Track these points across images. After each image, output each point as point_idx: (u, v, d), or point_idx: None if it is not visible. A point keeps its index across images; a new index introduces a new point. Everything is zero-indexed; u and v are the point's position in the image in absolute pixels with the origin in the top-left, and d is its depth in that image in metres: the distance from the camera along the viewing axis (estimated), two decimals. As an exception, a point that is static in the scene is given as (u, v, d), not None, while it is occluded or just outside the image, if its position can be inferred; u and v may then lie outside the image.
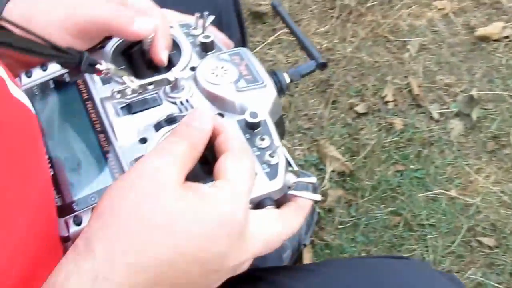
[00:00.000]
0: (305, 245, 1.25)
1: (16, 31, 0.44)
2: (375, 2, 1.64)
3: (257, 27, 1.63)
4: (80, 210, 0.47)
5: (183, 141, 0.42)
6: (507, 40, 1.57)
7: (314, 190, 1.25)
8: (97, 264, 0.38)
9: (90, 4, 0.55)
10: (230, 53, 0.57)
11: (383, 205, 1.30)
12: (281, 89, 0.57)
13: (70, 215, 0.47)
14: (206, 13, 0.59)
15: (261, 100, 0.53)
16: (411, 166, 1.34)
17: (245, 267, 0.45)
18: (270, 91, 0.54)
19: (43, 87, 0.57)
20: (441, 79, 1.49)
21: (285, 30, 1.61)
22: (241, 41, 0.86)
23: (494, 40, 1.57)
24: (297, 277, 0.61)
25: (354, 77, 1.51)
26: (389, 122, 1.42)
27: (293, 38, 1.56)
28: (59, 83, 0.58)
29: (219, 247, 0.41)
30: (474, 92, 1.44)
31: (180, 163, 0.41)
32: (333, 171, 1.35)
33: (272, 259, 1.21)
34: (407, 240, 1.24)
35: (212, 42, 0.58)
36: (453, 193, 1.29)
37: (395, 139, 1.39)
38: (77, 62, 0.49)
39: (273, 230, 0.46)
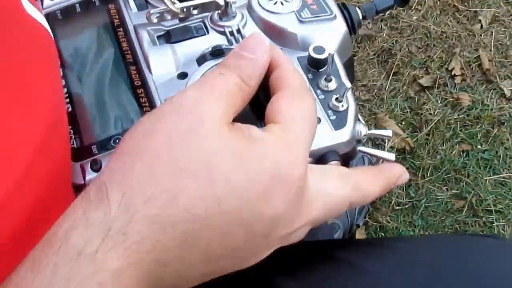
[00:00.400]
0: (358, 226, 1.19)
1: None
2: None
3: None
4: (100, 153, 0.43)
5: (232, 74, 0.36)
6: None
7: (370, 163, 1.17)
8: (111, 214, 0.31)
9: None
10: None
11: (446, 187, 1.22)
12: (352, 26, 0.51)
13: (88, 159, 0.43)
14: None
15: (329, 35, 0.48)
16: (478, 146, 1.26)
17: (299, 235, 0.38)
18: (339, 25, 0.49)
19: (68, 11, 0.53)
20: (515, 53, 1.39)
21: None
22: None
23: None
24: (371, 254, 0.52)
25: (419, 47, 1.42)
26: (456, 97, 1.33)
27: None
28: (87, 8, 0.53)
29: (270, 206, 0.34)
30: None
31: (227, 100, 0.35)
32: (392, 147, 1.27)
33: (322, 237, 1.14)
34: (470, 227, 1.17)
35: None
36: (524, 177, 1.22)
37: (461, 116, 1.30)
38: None
39: (339, 191, 0.39)
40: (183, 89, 0.35)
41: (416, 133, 1.29)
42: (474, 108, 1.32)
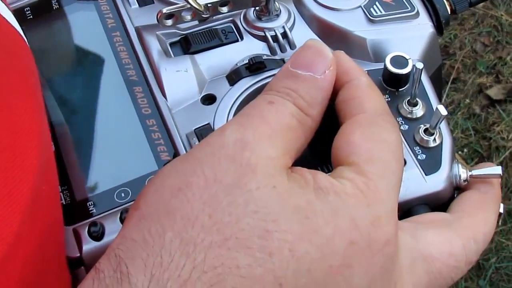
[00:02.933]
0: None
1: None
2: None
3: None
4: (100, 214, 0.40)
5: (286, 101, 0.34)
6: None
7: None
8: None
9: None
10: None
11: None
12: (438, 25, 0.47)
13: (84, 222, 0.39)
14: None
15: (410, 39, 0.45)
16: None
17: None
18: (424, 24, 0.46)
19: (42, 8, 0.51)
20: None
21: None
22: None
23: None
24: None
25: (486, 45, 1.31)
26: None
27: None
28: (67, 3, 0.52)
29: (349, 281, 0.31)
30: None
31: (283, 138, 0.33)
32: (450, 184, 1.10)
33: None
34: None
35: None
36: None
37: None
38: None
39: (445, 248, 0.36)
40: (220, 127, 0.34)
41: None
42: None
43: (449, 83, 1.26)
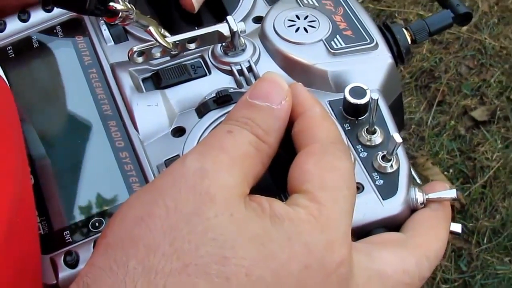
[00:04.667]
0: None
1: None
2: None
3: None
4: (76, 242, 0.42)
5: (244, 130, 0.36)
6: None
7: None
8: None
9: None
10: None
11: (509, 258, 1.14)
12: (399, 54, 0.51)
13: (60, 251, 0.42)
14: None
15: (369, 70, 0.48)
16: None
17: None
18: (382, 55, 0.48)
19: (23, 46, 0.54)
20: None
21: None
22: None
23: None
24: None
25: (470, 68, 1.36)
26: None
27: (382, 7, 1.47)
28: (47, 41, 0.54)
29: None
30: None
31: (240, 166, 0.35)
32: (436, 204, 1.14)
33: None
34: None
35: None
36: None
37: None
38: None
39: (399, 265, 0.38)
40: (182, 156, 0.37)
41: (469, 185, 1.24)
42: None
43: (435, 106, 1.30)
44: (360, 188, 0.41)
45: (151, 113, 0.46)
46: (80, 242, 0.41)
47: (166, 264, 0.31)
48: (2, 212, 0.36)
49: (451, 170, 1.25)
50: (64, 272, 0.40)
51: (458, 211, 1.22)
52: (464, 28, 1.36)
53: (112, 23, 0.48)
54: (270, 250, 0.32)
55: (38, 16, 0.54)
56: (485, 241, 1.17)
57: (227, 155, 0.34)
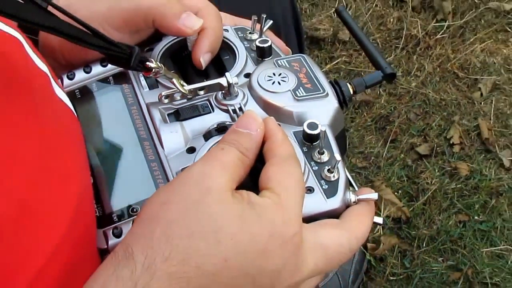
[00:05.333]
0: (352, 296, 1.23)
1: (64, 19, 0.45)
2: (445, 35, 1.65)
3: (314, 53, 1.65)
4: (120, 222, 0.48)
5: (232, 148, 0.43)
6: None
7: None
8: (136, 271, 0.38)
9: None
10: (289, 59, 0.57)
11: (442, 258, 1.28)
12: (343, 101, 0.56)
13: (109, 227, 0.48)
14: (263, 15, 0.60)
15: (321, 111, 0.53)
16: (476, 217, 1.33)
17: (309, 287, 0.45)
18: (331, 102, 0.54)
19: (86, 90, 0.59)
20: (515, 122, 1.49)
21: (344, 58, 1.62)
22: (299, 52, 0.86)
23: None
24: None
25: (417, 114, 1.53)
26: (454, 166, 1.42)
27: (352, 68, 1.61)
28: (103, 87, 0.59)
29: (271, 260, 0.40)
30: (551, 140, 1.44)
31: (229, 171, 0.42)
32: (388, 216, 1.34)
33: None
34: (466, 300, 1.22)
35: (269, 47, 0.59)
36: (522, 251, 1.26)
37: (459, 186, 1.39)
38: (127, 57, 0.49)
39: (335, 240, 0.45)
40: (191, 164, 0.43)
41: (413, 202, 1.36)
42: (472, 178, 1.39)
43: (389, 142, 1.44)
44: (311, 190, 0.47)
45: (173, 137, 0.52)
46: (123, 222, 0.48)
47: (180, 232, 0.39)
48: (71, 200, 0.42)
49: (400, 191, 1.37)
50: (112, 241, 0.47)
51: (405, 222, 1.31)
52: (413, 84, 1.53)
53: (148, 76, 0.53)
54: (247, 223, 0.40)
55: (97, 69, 0.60)
56: (424, 245, 1.29)
57: (220, 163, 0.42)
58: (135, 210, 0.49)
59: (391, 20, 1.66)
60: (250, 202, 0.41)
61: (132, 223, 0.42)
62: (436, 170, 1.42)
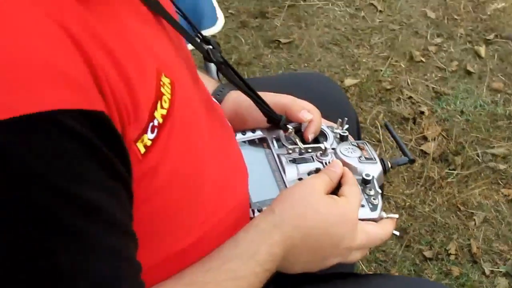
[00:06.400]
0: None
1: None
2: (454, 179, 2.17)
3: (366, 139, 2.20)
4: (261, 207, 0.79)
5: (325, 176, 0.76)
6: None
7: None
8: (275, 217, 0.68)
9: (279, 94, 0.93)
10: (357, 142, 0.91)
11: None
12: (384, 168, 0.88)
13: (252, 208, 0.80)
14: (345, 119, 0.96)
15: (372, 170, 0.85)
16: None
17: (352, 258, 0.75)
18: (378, 167, 0.87)
19: (247, 142, 0.93)
20: (496, 246, 2.00)
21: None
22: (357, 138, 1.25)
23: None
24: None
25: (427, 231, 1.99)
26: (449, 268, 1.85)
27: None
28: (251, 144, 0.92)
29: (340, 229, 0.71)
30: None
31: (324, 184, 0.74)
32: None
33: None
34: None
35: (347, 135, 0.93)
36: None
37: (451, 282, 1.86)
38: (278, 120, 0.85)
39: (373, 230, 0.75)
40: (304, 180, 0.76)
41: None
42: (461, 278, 1.88)
43: (403, 246, 1.90)
44: (363, 206, 0.77)
45: (291, 171, 0.85)
46: (263, 208, 0.78)
47: (297, 207, 0.69)
48: (245, 187, 0.74)
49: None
50: (256, 214, 0.77)
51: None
52: (427, 209, 2.03)
53: (285, 134, 0.86)
54: (332, 208, 0.71)
55: (248, 134, 0.92)
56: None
57: (321, 180, 0.74)
58: (268, 202, 0.77)
59: (417, 164, 2.27)
60: (335, 200, 0.73)
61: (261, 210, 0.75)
62: (436, 270, 1.85)
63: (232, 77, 0.80)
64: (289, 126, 0.87)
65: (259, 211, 0.79)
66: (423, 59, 2.57)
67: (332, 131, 0.94)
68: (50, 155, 0.45)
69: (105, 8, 0.55)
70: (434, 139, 2.25)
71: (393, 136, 1.01)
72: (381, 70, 2.51)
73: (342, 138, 0.93)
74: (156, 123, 0.56)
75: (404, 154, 0.93)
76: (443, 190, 2.16)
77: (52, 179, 0.46)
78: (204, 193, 0.67)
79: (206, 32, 1.61)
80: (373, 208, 0.79)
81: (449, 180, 2.18)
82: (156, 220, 0.61)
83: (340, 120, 0.95)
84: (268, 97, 0.90)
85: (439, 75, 2.52)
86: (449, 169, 2.18)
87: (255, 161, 0.88)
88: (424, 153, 2.28)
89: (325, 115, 0.97)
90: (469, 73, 2.53)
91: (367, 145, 0.90)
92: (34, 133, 0.44)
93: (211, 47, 0.79)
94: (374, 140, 2.21)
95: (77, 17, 0.49)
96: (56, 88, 0.45)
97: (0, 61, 0.44)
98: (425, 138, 2.27)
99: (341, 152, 0.88)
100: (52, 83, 0.45)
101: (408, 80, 2.49)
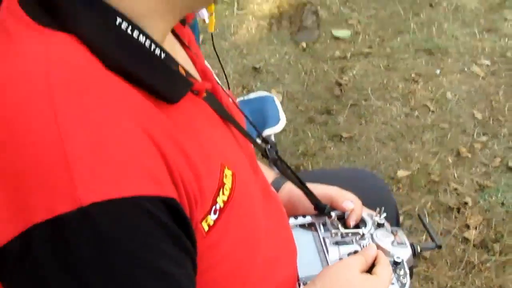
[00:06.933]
0: None
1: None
2: (492, 265, 2.39)
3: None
4: (306, 281, 0.91)
5: (362, 257, 0.89)
6: None
7: None
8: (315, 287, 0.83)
9: (327, 186, 1.09)
10: (393, 228, 1.04)
11: None
12: (414, 253, 1.01)
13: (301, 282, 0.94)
14: (382, 207, 1.08)
15: (403, 254, 0.97)
16: None
17: None
18: (408, 250, 1.00)
19: (294, 226, 1.06)
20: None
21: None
22: (395, 224, 1.35)
23: None
24: None
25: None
26: None
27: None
28: (302, 226, 1.07)
29: None
30: None
31: (360, 264, 0.87)
32: None
33: None
34: None
35: (383, 223, 1.05)
36: None
37: None
38: (323, 209, 1.02)
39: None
40: (343, 259, 0.91)
41: None
42: None
43: None
44: (393, 283, 0.90)
45: (333, 251, 0.99)
46: (308, 280, 0.91)
47: (336, 284, 0.85)
48: (294, 260, 0.91)
49: None
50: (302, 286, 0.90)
51: None
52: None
53: (330, 220, 1.00)
54: (364, 283, 0.85)
55: (299, 219, 1.06)
56: None
57: (357, 260, 0.88)
58: (313, 277, 0.87)
59: (459, 250, 2.54)
60: (368, 276, 0.86)
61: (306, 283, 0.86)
62: None
63: (285, 171, 1.00)
64: (332, 214, 1.05)
65: (304, 284, 0.92)
66: (469, 155, 2.79)
67: (371, 218, 1.09)
68: (134, 231, 0.53)
69: (182, 116, 0.67)
70: (476, 228, 2.45)
71: (424, 225, 1.20)
72: (431, 164, 2.79)
73: (379, 225, 1.08)
74: (218, 206, 0.67)
75: (432, 240, 1.10)
76: (482, 274, 2.36)
77: (136, 250, 0.54)
78: (256, 268, 0.78)
79: (270, 130, 1.97)
80: (402, 286, 0.95)
81: (488, 265, 2.31)
82: None
83: (378, 209, 1.11)
84: (318, 188, 1.09)
85: (483, 170, 2.73)
86: (488, 255, 2.35)
87: (304, 242, 1.02)
88: (466, 240, 2.54)
89: (366, 204, 1.14)
90: (510, 169, 2.72)
91: (400, 231, 1.06)
92: (123, 213, 0.53)
93: (269, 146, 0.98)
94: (421, 227, 2.47)
95: (159, 124, 0.59)
96: (139, 178, 0.54)
97: (100, 156, 0.52)
98: (467, 226, 2.47)
99: (377, 237, 1.04)
100: (136, 176, 0.54)
101: (455, 174, 2.71)
